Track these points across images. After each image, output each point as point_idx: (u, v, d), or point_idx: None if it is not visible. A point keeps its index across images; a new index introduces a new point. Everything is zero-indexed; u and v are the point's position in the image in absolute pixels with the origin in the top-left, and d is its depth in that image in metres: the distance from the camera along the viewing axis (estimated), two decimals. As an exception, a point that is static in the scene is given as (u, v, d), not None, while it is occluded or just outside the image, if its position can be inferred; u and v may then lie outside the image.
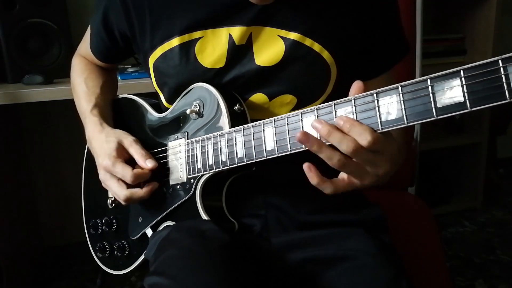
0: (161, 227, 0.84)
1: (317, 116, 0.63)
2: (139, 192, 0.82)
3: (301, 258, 0.80)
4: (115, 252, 0.92)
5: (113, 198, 0.92)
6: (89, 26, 0.96)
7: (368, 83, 0.81)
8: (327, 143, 0.60)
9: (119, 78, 1.56)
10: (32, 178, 1.99)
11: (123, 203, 0.83)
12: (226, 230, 0.76)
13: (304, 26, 0.76)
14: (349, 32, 0.78)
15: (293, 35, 0.76)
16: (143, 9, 0.80)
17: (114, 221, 0.94)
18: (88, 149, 1.03)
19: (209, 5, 0.76)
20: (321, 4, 0.76)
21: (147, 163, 0.80)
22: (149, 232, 0.86)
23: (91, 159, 1.01)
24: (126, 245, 0.91)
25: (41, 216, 2.02)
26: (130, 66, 1.62)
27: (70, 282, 1.84)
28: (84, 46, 1.00)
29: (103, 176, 0.84)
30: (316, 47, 0.77)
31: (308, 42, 0.76)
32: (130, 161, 0.83)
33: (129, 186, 0.81)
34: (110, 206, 0.93)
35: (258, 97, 0.80)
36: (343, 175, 0.65)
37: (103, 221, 0.95)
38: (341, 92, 0.78)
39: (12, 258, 1.64)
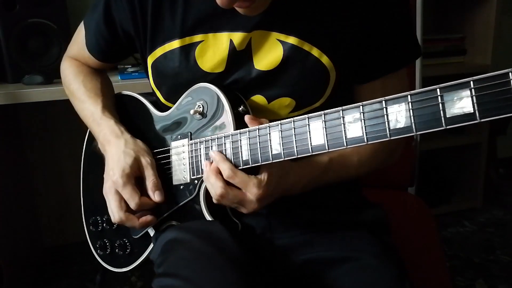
0: (163, 227, 0.84)
1: (325, 122, 0.61)
2: (134, 221, 0.80)
3: (304, 258, 0.80)
4: (116, 250, 0.92)
5: None
6: (80, 26, 0.94)
7: (373, 82, 0.80)
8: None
9: (119, 78, 1.56)
10: (32, 178, 1.98)
11: (113, 222, 0.81)
12: (230, 230, 0.76)
13: (302, 30, 0.75)
14: (349, 36, 0.76)
15: (292, 39, 0.75)
16: (146, 7, 0.79)
17: None
18: (86, 145, 1.02)
19: (211, 9, 0.75)
20: (321, 9, 0.75)
21: (155, 196, 0.79)
22: (151, 231, 0.86)
23: (90, 155, 1.01)
24: (127, 244, 0.91)
25: (41, 216, 2.02)
26: (130, 66, 1.61)
27: (70, 282, 1.84)
28: (76, 48, 0.96)
29: (108, 188, 0.81)
30: (315, 51, 0.76)
31: (306, 46, 0.75)
32: (139, 180, 0.81)
33: (127, 209, 0.80)
34: None
35: (257, 99, 0.79)
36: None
37: (104, 218, 0.95)
38: (340, 95, 0.78)
39: (12, 258, 1.64)
